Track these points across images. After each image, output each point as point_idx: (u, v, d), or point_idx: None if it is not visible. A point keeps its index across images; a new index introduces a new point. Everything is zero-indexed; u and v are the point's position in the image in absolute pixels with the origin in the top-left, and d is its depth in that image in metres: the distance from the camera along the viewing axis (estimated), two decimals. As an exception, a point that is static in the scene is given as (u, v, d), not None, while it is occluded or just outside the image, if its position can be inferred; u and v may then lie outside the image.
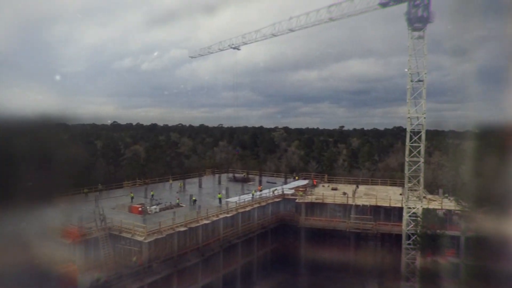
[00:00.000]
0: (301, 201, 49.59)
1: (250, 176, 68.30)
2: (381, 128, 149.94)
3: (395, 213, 45.75)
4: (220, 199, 46.86)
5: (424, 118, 39.59)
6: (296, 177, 67.28)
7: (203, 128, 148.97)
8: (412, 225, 40.03)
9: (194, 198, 45.80)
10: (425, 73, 38.94)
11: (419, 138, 39.86)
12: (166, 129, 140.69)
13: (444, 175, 64.31)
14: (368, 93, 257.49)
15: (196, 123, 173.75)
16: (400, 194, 50.01)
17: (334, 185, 60.15)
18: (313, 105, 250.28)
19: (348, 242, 47.34)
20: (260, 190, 53.93)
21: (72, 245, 31.38)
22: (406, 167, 40.41)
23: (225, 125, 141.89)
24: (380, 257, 45.75)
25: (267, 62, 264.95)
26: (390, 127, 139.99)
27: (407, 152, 40.33)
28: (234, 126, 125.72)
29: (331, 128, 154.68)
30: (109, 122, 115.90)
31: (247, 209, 44.83)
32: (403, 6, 38.94)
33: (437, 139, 76.34)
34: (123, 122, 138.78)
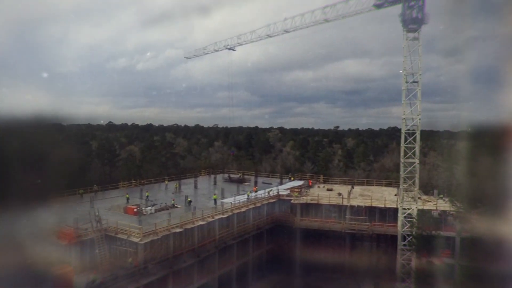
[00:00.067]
0: (296, 201, 49.62)
1: (245, 176, 68.31)
2: (376, 128, 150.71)
3: (390, 214, 45.84)
4: (215, 200, 46.80)
5: (419, 119, 39.50)
6: (292, 178, 67.28)
7: (198, 128, 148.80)
8: (407, 226, 40.10)
9: (189, 199, 45.73)
10: (420, 74, 38.93)
11: (414, 139, 39.85)
12: (161, 129, 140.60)
13: (439, 176, 64.66)
14: (362, 93, 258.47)
15: (191, 123, 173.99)
16: (395, 195, 50.19)
17: (329, 186, 60.32)
18: (308, 105, 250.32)
19: (343, 243, 47.48)
20: (256, 191, 53.91)
21: (67, 247, 31.22)
22: (402, 169, 40.37)
23: (220, 125, 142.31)
24: (375, 258, 45.94)
25: (262, 63, 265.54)
26: (385, 127, 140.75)
27: (402, 153, 40.26)
28: (229, 126, 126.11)
29: (326, 128, 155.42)
30: (102, 121, 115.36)
31: (243, 210, 44.78)
32: (398, 8, 39.05)
33: (432, 139, 76.56)
34: (118, 122, 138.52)
